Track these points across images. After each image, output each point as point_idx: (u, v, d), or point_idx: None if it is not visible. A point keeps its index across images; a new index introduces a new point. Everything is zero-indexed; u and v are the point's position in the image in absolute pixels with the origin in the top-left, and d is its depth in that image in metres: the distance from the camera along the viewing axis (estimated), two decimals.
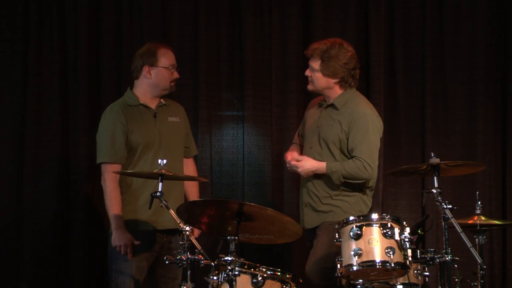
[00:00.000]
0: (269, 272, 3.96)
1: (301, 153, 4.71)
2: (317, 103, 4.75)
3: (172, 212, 4.06)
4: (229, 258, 3.87)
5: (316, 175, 4.55)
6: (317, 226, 4.55)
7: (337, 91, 4.60)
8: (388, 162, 5.45)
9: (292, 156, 4.60)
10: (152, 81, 4.62)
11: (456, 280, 4.32)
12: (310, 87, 4.66)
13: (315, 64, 4.58)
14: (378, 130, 4.57)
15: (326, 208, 4.52)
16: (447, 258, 3.99)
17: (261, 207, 3.94)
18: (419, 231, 4.10)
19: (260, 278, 3.92)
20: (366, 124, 4.50)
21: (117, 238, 4.45)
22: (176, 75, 4.68)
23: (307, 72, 4.64)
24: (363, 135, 4.48)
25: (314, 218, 4.56)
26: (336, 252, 4.11)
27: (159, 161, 4.11)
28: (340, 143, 4.52)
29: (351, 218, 4.06)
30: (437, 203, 4.08)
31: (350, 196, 4.53)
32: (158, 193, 4.08)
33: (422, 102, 5.57)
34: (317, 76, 4.58)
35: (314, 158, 4.56)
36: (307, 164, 4.54)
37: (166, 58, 4.64)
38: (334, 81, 4.57)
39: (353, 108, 4.55)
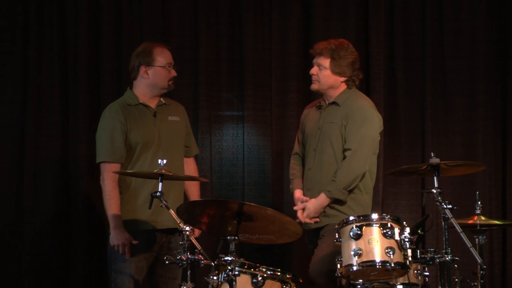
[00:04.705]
0: (269, 272, 3.95)
1: (303, 161, 4.70)
2: (315, 106, 4.75)
3: (172, 212, 4.05)
4: (229, 258, 3.86)
5: (321, 174, 4.53)
6: (321, 227, 4.54)
7: (341, 90, 4.60)
8: (388, 162, 5.45)
9: (299, 211, 4.56)
10: (150, 81, 4.61)
11: (456, 280, 4.31)
12: (314, 86, 4.63)
13: (324, 62, 4.57)
14: (375, 123, 4.55)
15: (332, 212, 4.50)
16: (447, 258, 3.99)
17: (261, 207, 3.94)
18: (419, 231, 4.09)
19: (260, 278, 3.91)
20: (362, 116, 4.50)
21: (115, 237, 4.45)
22: (173, 73, 4.66)
23: (313, 70, 4.61)
24: (358, 127, 4.47)
25: (319, 219, 4.54)
26: None
27: (159, 161, 4.10)
28: (342, 138, 4.51)
29: (351, 218, 4.05)
30: (437, 203, 4.08)
31: (357, 199, 4.51)
32: (158, 193, 4.07)
33: (422, 102, 5.57)
34: (326, 74, 4.57)
35: (320, 160, 4.54)
36: (311, 205, 4.51)
37: (162, 57, 4.62)
38: (342, 79, 4.58)
39: (352, 102, 4.56)
